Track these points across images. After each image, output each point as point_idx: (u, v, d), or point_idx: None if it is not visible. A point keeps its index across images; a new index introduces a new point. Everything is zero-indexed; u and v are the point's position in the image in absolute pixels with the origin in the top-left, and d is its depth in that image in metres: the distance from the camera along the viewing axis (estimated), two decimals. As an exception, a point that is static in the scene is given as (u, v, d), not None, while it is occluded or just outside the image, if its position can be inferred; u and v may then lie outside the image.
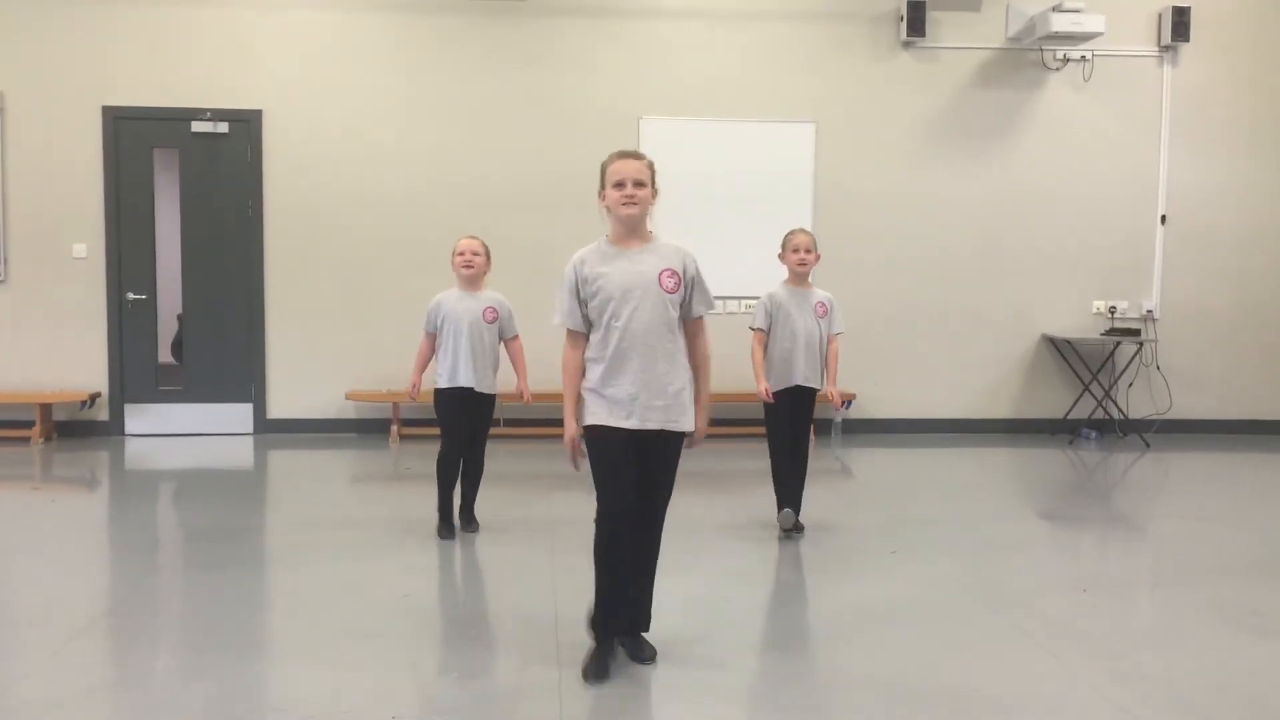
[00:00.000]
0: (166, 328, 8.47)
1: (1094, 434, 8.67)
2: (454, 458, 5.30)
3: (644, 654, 3.61)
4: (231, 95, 8.23)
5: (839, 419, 8.75)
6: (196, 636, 3.87)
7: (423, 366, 5.37)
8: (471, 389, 5.18)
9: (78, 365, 8.26)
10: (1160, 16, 8.69)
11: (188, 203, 8.36)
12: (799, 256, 5.19)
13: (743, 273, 8.10)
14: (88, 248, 8.21)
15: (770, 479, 5.38)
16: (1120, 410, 8.81)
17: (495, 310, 5.24)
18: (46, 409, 8.11)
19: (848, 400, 8.61)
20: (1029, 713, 3.25)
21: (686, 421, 3.51)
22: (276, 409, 8.45)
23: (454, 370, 5.19)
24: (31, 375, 8.20)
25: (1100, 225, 8.82)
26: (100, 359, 8.29)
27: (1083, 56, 8.67)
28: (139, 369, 8.34)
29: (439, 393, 5.25)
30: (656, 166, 3.63)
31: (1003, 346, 8.87)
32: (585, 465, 3.50)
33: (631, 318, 3.43)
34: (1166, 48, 8.72)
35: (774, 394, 5.21)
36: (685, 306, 3.54)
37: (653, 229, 3.62)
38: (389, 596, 4.33)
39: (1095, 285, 8.87)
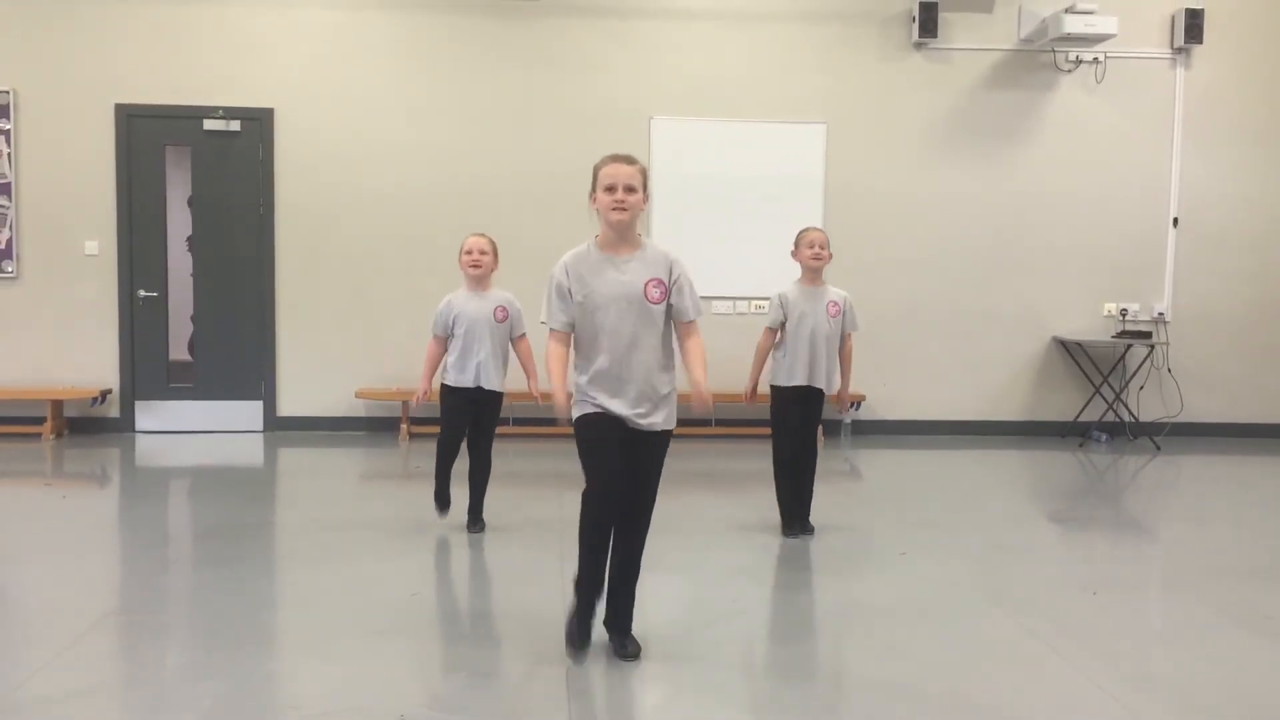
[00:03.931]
0: (177, 325, 8.49)
1: (1104, 436, 8.65)
2: (454, 443, 5.34)
3: (628, 650, 3.62)
4: (243, 93, 8.26)
5: (848, 420, 8.74)
6: (206, 633, 3.88)
7: (433, 370, 5.37)
8: (482, 388, 5.20)
9: (89, 362, 8.29)
10: (1173, 19, 8.66)
11: (199, 200, 8.40)
12: (813, 252, 5.17)
13: (753, 273, 8.14)
14: (99, 245, 8.25)
15: (773, 484, 5.43)
16: (1131, 413, 8.78)
17: (505, 310, 5.24)
18: (58, 405, 8.15)
19: (856, 401, 8.60)
20: (1037, 715, 3.24)
21: (667, 423, 3.57)
22: (287, 407, 8.47)
23: (465, 369, 5.19)
24: (43, 372, 8.23)
25: (1112, 227, 8.79)
26: (111, 356, 8.32)
27: (1095, 58, 8.64)
28: (150, 366, 8.37)
29: (448, 390, 5.26)
30: (650, 172, 3.62)
31: (1013, 348, 8.85)
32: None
33: (618, 331, 3.47)
34: (1179, 50, 8.69)
35: (782, 391, 5.23)
36: (676, 311, 3.57)
37: (642, 233, 3.64)
38: (398, 595, 4.33)
39: (1106, 287, 8.84)
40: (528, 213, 8.23)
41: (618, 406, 3.49)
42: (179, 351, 8.53)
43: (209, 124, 8.27)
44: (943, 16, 8.48)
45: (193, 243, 8.45)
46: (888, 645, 3.83)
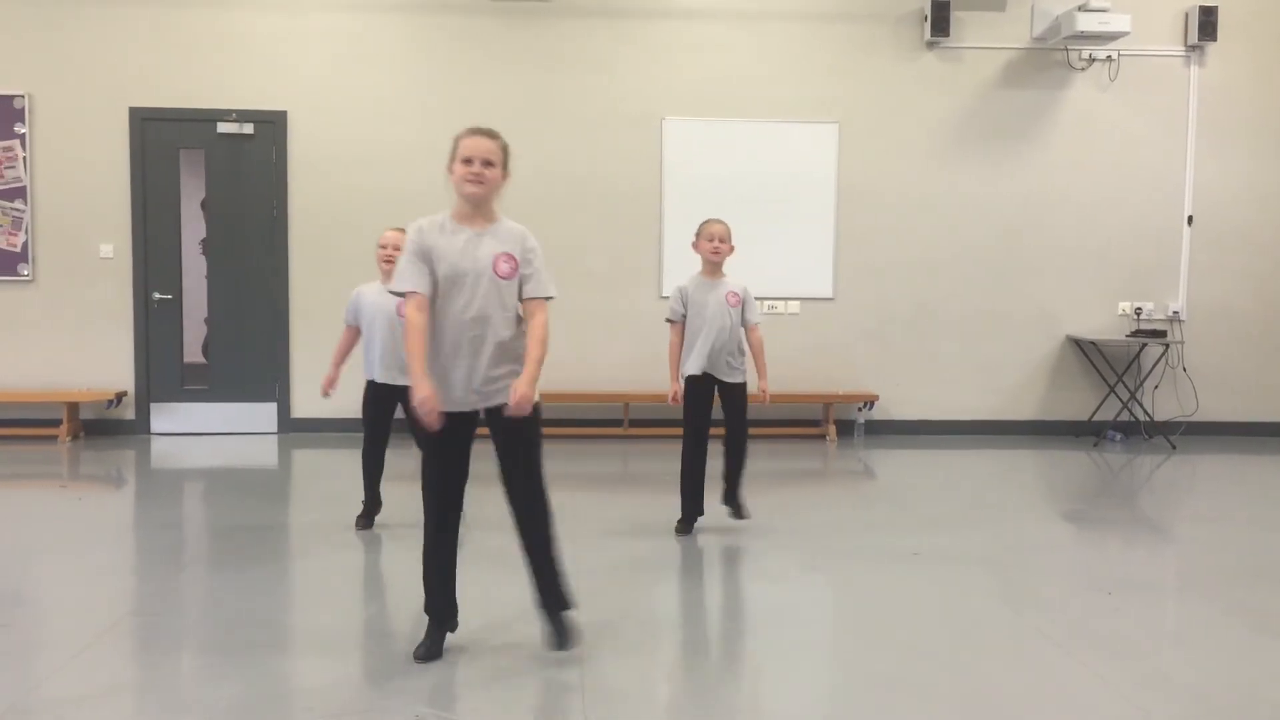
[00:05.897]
0: (192, 328, 8.53)
1: (1119, 436, 8.61)
2: (373, 451, 5.31)
3: (563, 641, 3.56)
4: (257, 97, 8.29)
5: (861, 420, 8.72)
6: (221, 635, 3.90)
7: (340, 359, 5.37)
8: (388, 385, 5.16)
9: (104, 364, 8.34)
10: (1187, 16, 8.62)
11: (213, 203, 8.44)
12: (713, 245, 5.18)
13: (765, 273, 8.12)
14: (114, 248, 8.30)
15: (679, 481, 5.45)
16: (1146, 412, 8.74)
17: None
18: (73, 408, 8.20)
19: (870, 401, 8.59)
20: (1050, 715, 3.23)
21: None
22: (301, 408, 8.50)
23: (370, 365, 5.22)
24: (59, 374, 8.28)
25: (1126, 226, 8.76)
26: (127, 358, 8.36)
27: (1108, 56, 8.61)
28: (165, 368, 8.41)
29: (365, 385, 5.28)
30: (512, 149, 3.53)
31: (1027, 348, 8.82)
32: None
33: (464, 304, 3.40)
34: (1193, 47, 8.65)
35: (685, 381, 5.25)
36: (524, 288, 3.48)
37: (499, 210, 3.56)
38: (410, 595, 4.33)
39: (1121, 286, 8.81)
40: (541, 214, 8.14)
41: (454, 387, 3.41)
42: (194, 354, 8.58)
43: (222, 127, 8.31)
44: (955, 15, 8.46)
45: (207, 245, 8.49)
46: (900, 644, 3.82)
